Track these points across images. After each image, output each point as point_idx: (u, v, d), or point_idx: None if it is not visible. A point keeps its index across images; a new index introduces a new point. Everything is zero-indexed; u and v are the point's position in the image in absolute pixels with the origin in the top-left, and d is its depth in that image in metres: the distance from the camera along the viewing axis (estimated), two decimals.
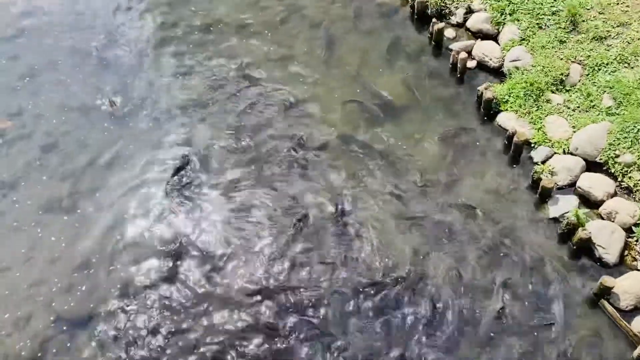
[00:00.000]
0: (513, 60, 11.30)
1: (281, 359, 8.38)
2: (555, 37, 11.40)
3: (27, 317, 8.90)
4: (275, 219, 9.80)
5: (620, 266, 8.87)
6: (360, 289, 8.93)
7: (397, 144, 10.68)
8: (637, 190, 9.43)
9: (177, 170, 10.50)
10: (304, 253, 9.37)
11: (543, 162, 10.04)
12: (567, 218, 9.16)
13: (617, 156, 9.69)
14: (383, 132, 10.90)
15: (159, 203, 10.13)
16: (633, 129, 9.77)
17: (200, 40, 12.84)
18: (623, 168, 9.59)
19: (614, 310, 8.43)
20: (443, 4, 12.57)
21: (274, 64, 12.25)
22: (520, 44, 11.49)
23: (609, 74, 10.72)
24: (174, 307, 8.94)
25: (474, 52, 11.84)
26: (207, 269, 9.31)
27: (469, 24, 12.29)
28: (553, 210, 9.55)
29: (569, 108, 10.57)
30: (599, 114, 10.30)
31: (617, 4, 11.73)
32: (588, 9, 11.65)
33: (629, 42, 11.07)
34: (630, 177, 9.52)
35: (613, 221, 9.18)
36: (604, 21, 11.45)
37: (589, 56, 11.04)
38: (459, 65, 11.53)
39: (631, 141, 9.66)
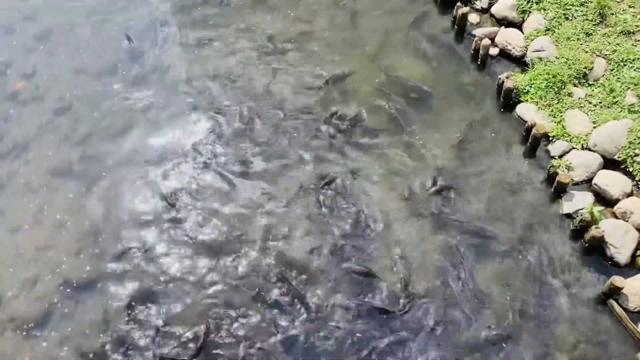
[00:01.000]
0: (536, 51, 11.05)
1: None
2: (582, 29, 11.11)
3: (34, 279, 8.96)
4: None
5: (631, 267, 8.75)
6: None
7: (412, 130, 10.57)
8: None
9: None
10: None
11: (560, 157, 9.87)
12: (581, 215, 9.04)
13: (637, 155, 9.49)
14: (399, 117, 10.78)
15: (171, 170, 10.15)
16: None
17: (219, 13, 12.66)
18: None
19: (622, 311, 8.34)
20: None
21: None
22: (545, 34, 11.21)
23: (635, 70, 10.46)
24: (183, 274, 8.99)
25: (497, 39, 11.58)
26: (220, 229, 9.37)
27: (493, 10, 12.00)
28: (567, 206, 9.41)
29: (590, 103, 10.35)
30: (621, 111, 10.08)
31: None
32: (618, 2, 11.33)
33: None
34: None
35: (627, 221, 9.03)
36: (633, 15, 11.13)
37: (615, 51, 10.76)
38: (481, 52, 11.29)
39: None
